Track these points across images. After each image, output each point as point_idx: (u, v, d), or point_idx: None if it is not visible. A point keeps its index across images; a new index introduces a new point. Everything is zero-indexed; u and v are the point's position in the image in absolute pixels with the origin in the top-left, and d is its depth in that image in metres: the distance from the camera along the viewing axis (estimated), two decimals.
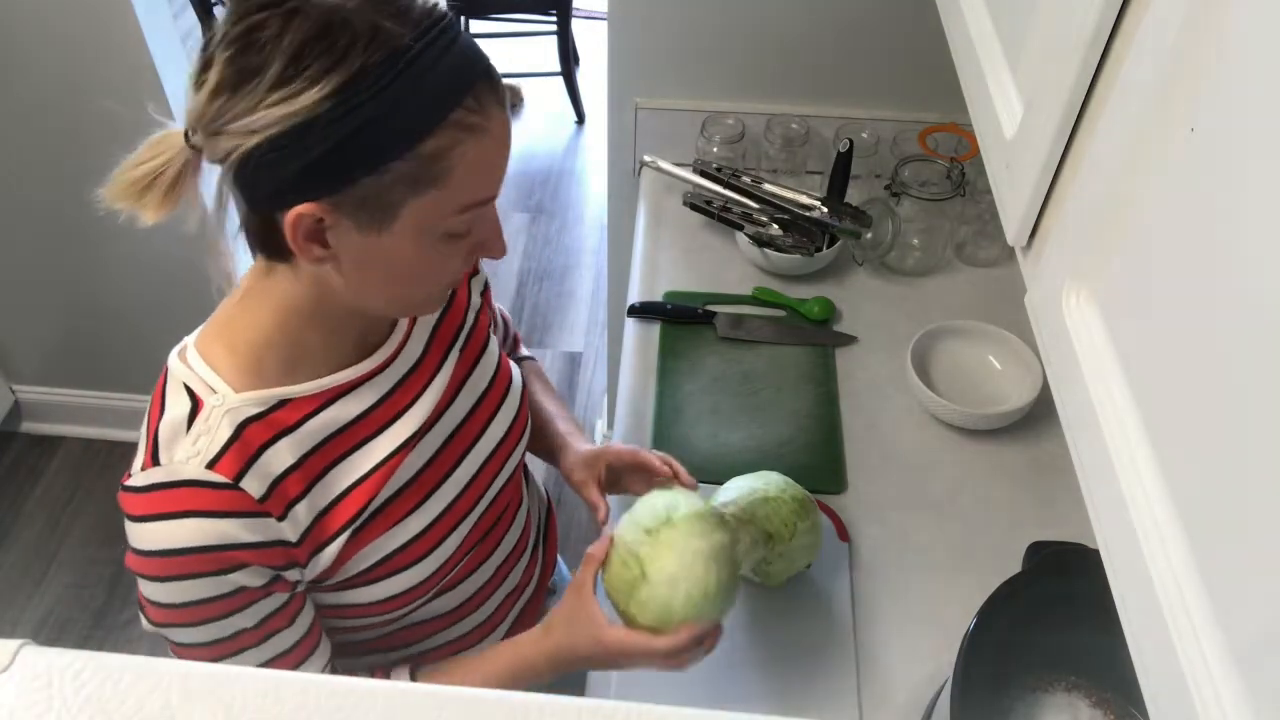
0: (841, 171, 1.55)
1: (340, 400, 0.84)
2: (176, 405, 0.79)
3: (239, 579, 0.78)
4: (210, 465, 0.77)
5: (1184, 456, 0.48)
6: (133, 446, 0.82)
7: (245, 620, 0.81)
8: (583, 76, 3.56)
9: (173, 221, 0.75)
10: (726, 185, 1.59)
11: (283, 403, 0.81)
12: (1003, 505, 1.31)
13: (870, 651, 1.17)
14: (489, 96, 0.72)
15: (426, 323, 0.93)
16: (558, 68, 3.46)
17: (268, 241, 0.77)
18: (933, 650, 1.14)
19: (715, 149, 1.67)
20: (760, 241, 1.56)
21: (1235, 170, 0.44)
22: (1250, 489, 0.42)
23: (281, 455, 0.80)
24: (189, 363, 0.81)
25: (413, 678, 0.96)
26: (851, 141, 1.56)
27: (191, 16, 3.18)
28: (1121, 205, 0.55)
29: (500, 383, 1.00)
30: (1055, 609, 1.02)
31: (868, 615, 1.20)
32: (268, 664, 0.84)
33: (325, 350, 0.84)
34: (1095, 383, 0.56)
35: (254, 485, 0.78)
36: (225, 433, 0.78)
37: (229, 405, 0.78)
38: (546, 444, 1.16)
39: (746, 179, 1.58)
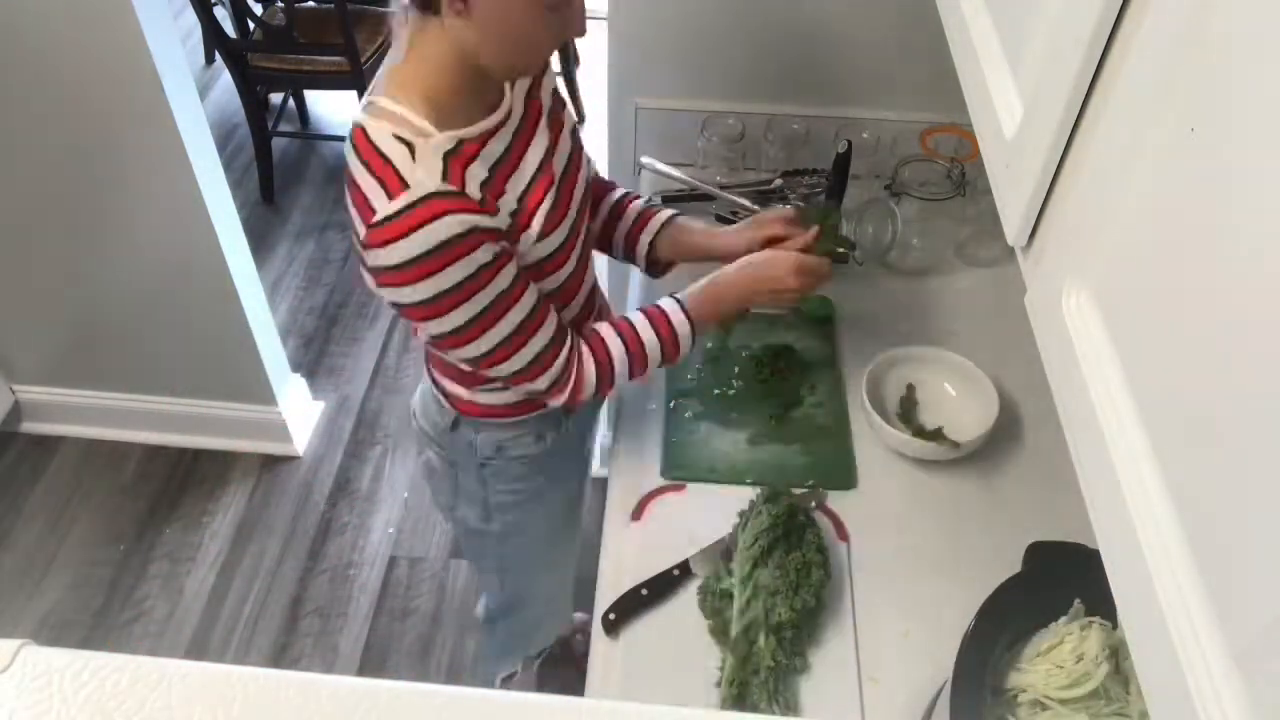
0: (841, 172, 1.55)
1: (489, 142, 1.07)
2: (396, 149, 0.99)
3: (481, 256, 1.01)
4: (443, 181, 0.99)
5: (1184, 457, 0.48)
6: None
7: (500, 284, 1.04)
8: (583, 76, 3.56)
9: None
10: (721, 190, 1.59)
11: (461, 141, 1.03)
12: (1003, 505, 1.31)
13: (870, 651, 1.17)
14: None
15: (520, 102, 1.13)
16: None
17: None
18: (933, 650, 1.14)
19: (715, 149, 1.67)
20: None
21: (1235, 170, 0.44)
22: (1250, 489, 0.42)
23: (476, 174, 1.03)
24: (390, 114, 1.00)
25: (682, 306, 1.23)
26: (850, 142, 1.56)
27: (191, 16, 3.17)
28: (1121, 205, 0.55)
29: (577, 157, 1.21)
30: (1055, 609, 1.02)
31: (868, 615, 1.20)
32: (528, 321, 1.08)
33: (468, 104, 1.05)
34: (1095, 383, 0.56)
35: (472, 192, 1.02)
36: (438, 163, 1.00)
37: (434, 143, 1.00)
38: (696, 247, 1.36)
39: (733, 195, 1.58)
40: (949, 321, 1.53)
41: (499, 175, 1.06)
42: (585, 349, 1.18)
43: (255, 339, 2.23)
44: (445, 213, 0.98)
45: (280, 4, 2.79)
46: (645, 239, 1.34)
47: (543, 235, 1.10)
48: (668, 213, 1.35)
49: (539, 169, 1.11)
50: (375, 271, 1.01)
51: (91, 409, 2.42)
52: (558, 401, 1.18)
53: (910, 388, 1.44)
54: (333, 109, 3.54)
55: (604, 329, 1.20)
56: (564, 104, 1.22)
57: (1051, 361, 0.63)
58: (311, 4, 3.12)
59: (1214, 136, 0.46)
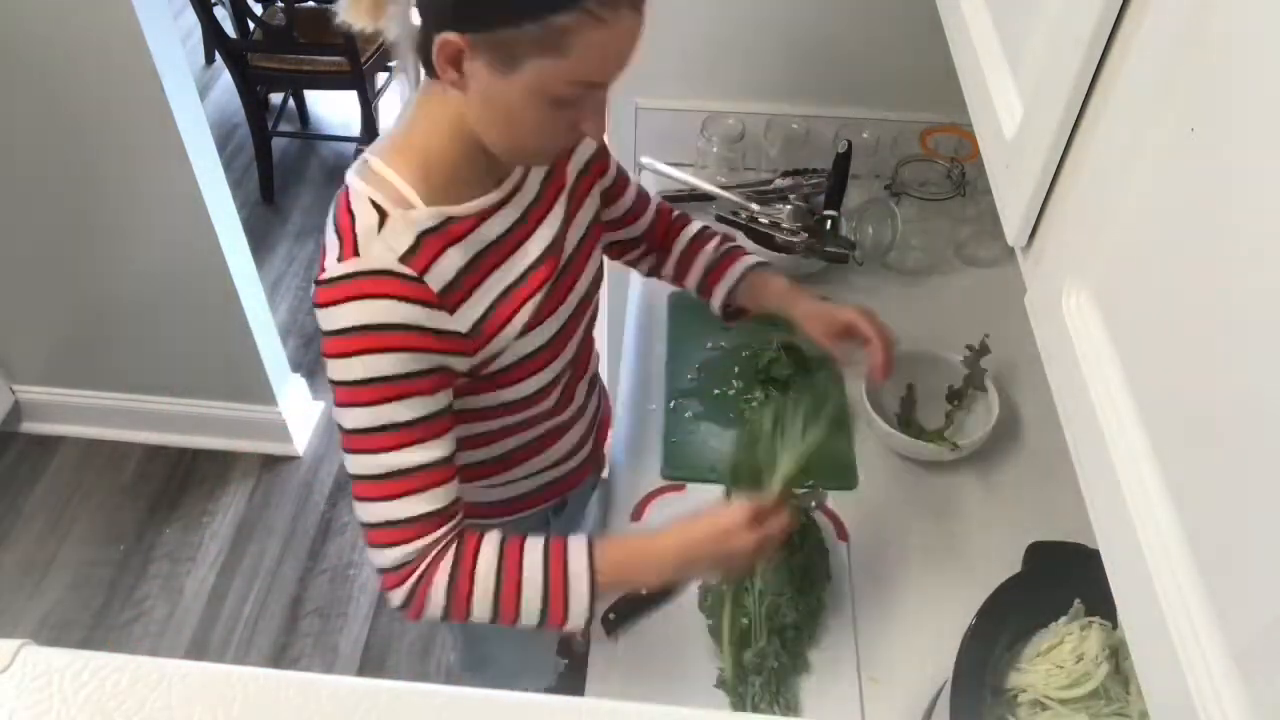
0: (841, 172, 1.55)
1: (487, 221, 0.98)
2: (366, 215, 0.91)
3: (410, 362, 0.91)
4: (401, 261, 0.90)
5: (1184, 457, 0.48)
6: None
7: (406, 412, 0.92)
8: None
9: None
10: (721, 193, 1.59)
11: (449, 220, 0.94)
12: (1003, 505, 1.31)
13: (870, 651, 1.17)
14: (624, 1, 0.84)
15: (538, 174, 1.05)
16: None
17: (425, 58, 0.90)
18: (933, 650, 1.14)
19: (715, 149, 1.67)
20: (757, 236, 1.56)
21: (1235, 170, 0.44)
22: (1250, 489, 0.42)
23: (453, 259, 0.94)
24: (377, 178, 0.93)
25: (590, 546, 1.00)
26: (850, 142, 1.56)
27: (191, 16, 3.17)
28: (1121, 205, 0.55)
29: (590, 242, 1.13)
30: (1055, 609, 1.02)
31: (868, 615, 1.20)
32: (417, 471, 0.94)
33: (469, 176, 0.97)
34: (1095, 383, 0.56)
35: (434, 282, 0.92)
36: (409, 239, 0.91)
37: (412, 218, 0.92)
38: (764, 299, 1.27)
39: (733, 195, 1.58)
40: (949, 321, 1.53)
41: (483, 264, 0.97)
42: (448, 559, 0.96)
43: (255, 339, 2.23)
44: (385, 295, 0.89)
45: (280, 4, 2.79)
46: (722, 290, 1.26)
47: (527, 330, 1.00)
48: (746, 262, 1.27)
49: (539, 259, 1.02)
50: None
51: (91, 409, 2.42)
52: (386, 592, 0.98)
53: (910, 388, 1.44)
54: (333, 109, 3.54)
55: (487, 545, 0.97)
56: (601, 171, 1.15)
57: (1051, 361, 0.63)
58: (311, 4, 3.11)
59: (1214, 136, 0.46)
